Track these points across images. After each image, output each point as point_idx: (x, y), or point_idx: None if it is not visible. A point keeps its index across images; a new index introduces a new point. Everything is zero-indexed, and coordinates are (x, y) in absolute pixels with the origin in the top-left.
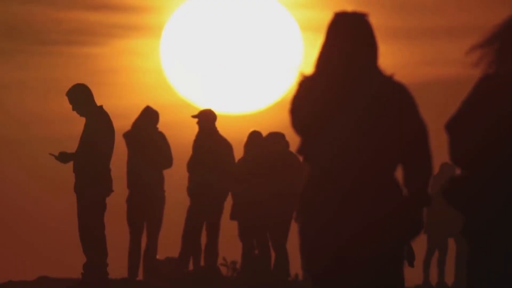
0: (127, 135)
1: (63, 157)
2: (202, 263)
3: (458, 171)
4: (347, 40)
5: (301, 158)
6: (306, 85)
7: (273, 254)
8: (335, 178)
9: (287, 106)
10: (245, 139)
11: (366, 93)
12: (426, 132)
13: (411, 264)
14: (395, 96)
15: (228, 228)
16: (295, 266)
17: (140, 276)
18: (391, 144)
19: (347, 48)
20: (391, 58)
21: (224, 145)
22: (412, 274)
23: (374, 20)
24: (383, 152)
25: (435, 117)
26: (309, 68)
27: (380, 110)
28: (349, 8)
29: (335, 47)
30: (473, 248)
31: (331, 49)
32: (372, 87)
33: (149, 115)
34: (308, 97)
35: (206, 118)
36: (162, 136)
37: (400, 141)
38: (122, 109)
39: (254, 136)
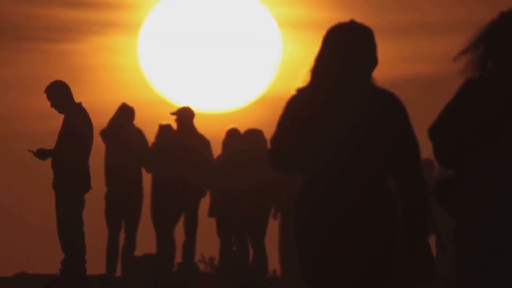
0: (103, 133)
1: (41, 154)
2: (179, 259)
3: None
4: (344, 51)
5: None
6: (298, 99)
7: (251, 250)
8: (328, 188)
9: (266, 104)
10: (223, 137)
11: (357, 103)
12: (415, 141)
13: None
14: (387, 107)
15: (206, 225)
16: (273, 262)
17: (118, 273)
18: (382, 154)
19: (341, 59)
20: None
21: (201, 141)
22: None
23: (350, 18)
24: (374, 162)
25: (411, 113)
26: (289, 66)
27: (372, 120)
28: (326, 5)
29: (330, 58)
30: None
31: (326, 59)
32: (364, 98)
33: (125, 112)
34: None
35: (184, 116)
36: (139, 133)
37: (389, 150)
38: (100, 105)
39: (232, 133)
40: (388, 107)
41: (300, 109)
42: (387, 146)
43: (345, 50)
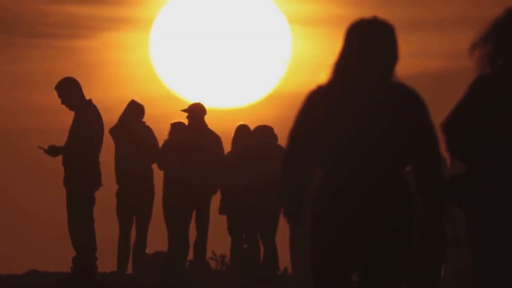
0: (113, 130)
1: (52, 151)
2: (191, 257)
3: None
4: (367, 47)
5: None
6: (318, 94)
7: (262, 248)
8: (347, 180)
9: (276, 100)
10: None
11: (377, 98)
12: (435, 136)
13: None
14: (406, 101)
15: (217, 222)
16: (284, 260)
17: (129, 270)
18: (401, 148)
19: (362, 55)
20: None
21: (212, 138)
22: None
23: (359, 13)
24: (393, 155)
25: None
26: (299, 62)
27: (391, 114)
28: (336, 1)
29: (351, 53)
30: (476, 247)
31: (347, 55)
32: (383, 92)
33: (134, 109)
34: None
35: (195, 112)
36: (149, 130)
37: (409, 144)
38: (111, 102)
39: (241, 129)
40: (407, 101)
41: (321, 103)
42: (406, 140)
43: (366, 47)
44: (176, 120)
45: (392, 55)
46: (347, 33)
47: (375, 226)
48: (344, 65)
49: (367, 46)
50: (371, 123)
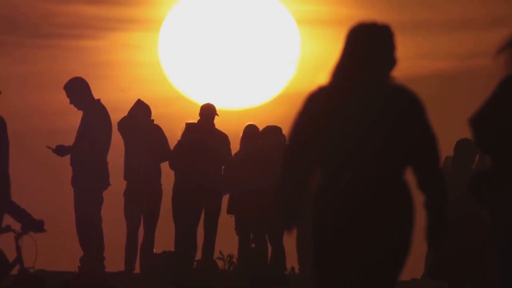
0: (122, 124)
1: (60, 150)
2: (198, 257)
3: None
4: (365, 50)
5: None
6: (318, 96)
7: (269, 248)
8: (348, 182)
9: (285, 101)
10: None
11: (377, 100)
12: (434, 137)
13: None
14: (406, 104)
15: (225, 222)
16: (292, 260)
17: (137, 270)
18: (401, 150)
19: (361, 59)
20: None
21: (220, 138)
22: (410, 267)
23: (369, 15)
24: (393, 158)
25: (430, 110)
26: (308, 63)
27: (391, 117)
28: (344, 2)
29: (350, 57)
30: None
31: (347, 59)
32: (383, 95)
33: (141, 108)
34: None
35: (206, 112)
36: (158, 129)
37: (409, 146)
38: (119, 102)
39: (250, 129)
40: (407, 103)
41: (321, 105)
42: (406, 142)
43: (365, 51)
44: (191, 121)
45: (390, 58)
46: (346, 37)
47: (375, 227)
48: (344, 67)
49: (365, 50)
50: (371, 125)
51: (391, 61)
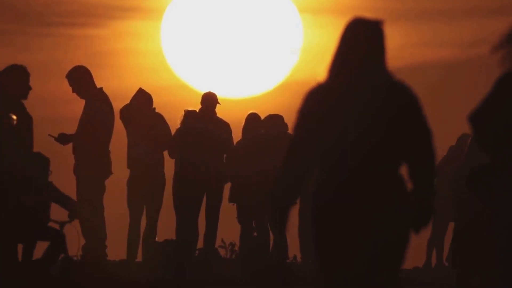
0: (124, 111)
1: (62, 139)
2: (200, 245)
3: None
4: (362, 45)
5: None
6: (317, 92)
7: (271, 236)
8: (345, 177)
9: (288, 89)
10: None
11: (374, 96)
12: (430, 131)
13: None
14: (402, 99)
15: (227, 210)
16: (294, 248)
17: (139, 258)
18: (398, 144)
19: (360, 53)
20: (388, 40)
21: (222, 126)
22: (412, 256)
23: (372, 3)
24: (390, 152)
25: (432, 98)
26: (310, 51)
27: (388, 112)
28: None
29: (348, 53)
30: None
31: (345, 54)
32: (380, 90)
33: (143, 97)
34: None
35: (208, 101)
36: (160, 117)
37: (405, 140)
38: (122, 91)
39: (252, 118)
40: (404, 99)
41: (320, 101)
42: (403, 137)
43: (360, 47)
44: (190, 108)
45: (383, 51)
46: (341, 34)
47: (373, 223)
48: (340, 64)
49: (361, 46)
50: (368, 120)
51: (384, 53)
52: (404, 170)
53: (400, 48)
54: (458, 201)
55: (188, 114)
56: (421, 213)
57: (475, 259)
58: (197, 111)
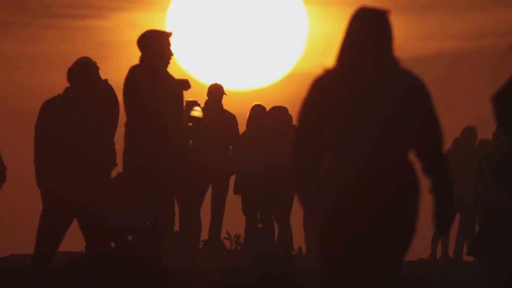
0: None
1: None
2: (205, 237)
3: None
4: (369, 34)
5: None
6: (324, 80)
7: (276, 228)
8: (353, 166)
9: (294, 81)
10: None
11: (382, 84)
12: (439, 121)
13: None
14: (411, 88)
15: (232, 202)
16: (299, 240)
17: None
18: (406, 133)
19: (368, 42)
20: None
21: (227, 117)
22: (417, 247)
23: None
24: (398, 141)
25: (437, 90)
26: (316, 43)
27: (396, 101)
28: None
29: (356, 41)
30: None
31: (352, 42)
32: (389, 79)
33: None
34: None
35: (214, 92)
36: None
37: (414, 127)
38: None
39: (257, 109)
40: (412, 88)
41: (328, 89)
42: (411, 125)
43: (367, 35)
44: (191, 99)
45: (391, 40)
46: (349, 23)
47: (381, 210)
48: (348, 52)
49: (368, 36)
50: (378, 108)
51: (391, 42)
52: (416, 163)
53: (405, 40)
54: (484, 192)
55: (189, 104)
56: (443, 209)
57: (504, 251)
58: (197, 101)
